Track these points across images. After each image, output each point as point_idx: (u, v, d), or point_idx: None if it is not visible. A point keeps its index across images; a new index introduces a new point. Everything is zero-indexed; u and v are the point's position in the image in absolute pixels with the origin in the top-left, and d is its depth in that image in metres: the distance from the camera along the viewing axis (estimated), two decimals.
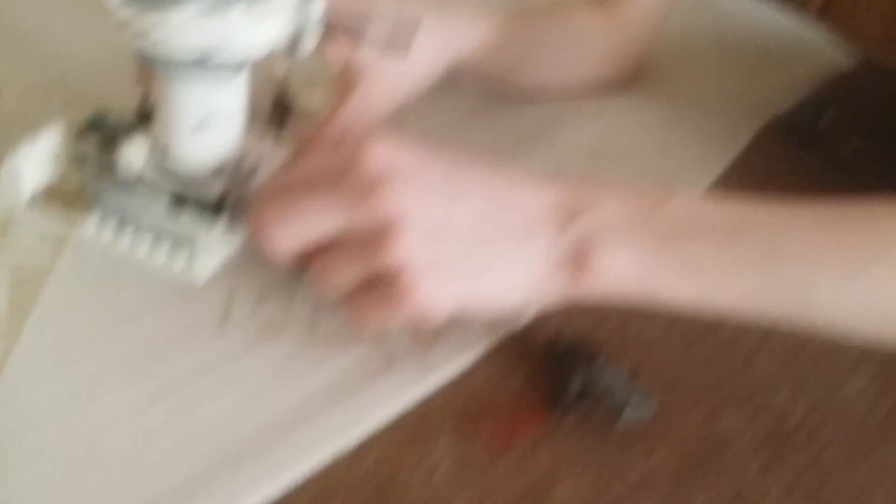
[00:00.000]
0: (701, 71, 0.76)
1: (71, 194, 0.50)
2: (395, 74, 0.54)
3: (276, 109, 0.56)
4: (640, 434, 0.44)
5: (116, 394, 0.41)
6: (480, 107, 0.67)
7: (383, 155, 0.40)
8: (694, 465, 0.44)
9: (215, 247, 0.48)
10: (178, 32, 0.40)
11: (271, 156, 0.53)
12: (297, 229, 0.41)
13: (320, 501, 0.39)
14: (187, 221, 0.47)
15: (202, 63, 0.42)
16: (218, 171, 0.47)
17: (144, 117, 0.52)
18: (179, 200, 0.47)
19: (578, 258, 0.41)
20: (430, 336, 0.47)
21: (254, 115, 0.48)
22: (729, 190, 0.65)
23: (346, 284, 0.42)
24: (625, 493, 0.42)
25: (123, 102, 0.53)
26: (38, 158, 0.49)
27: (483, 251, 0.41)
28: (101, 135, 0.51)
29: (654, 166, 0.65)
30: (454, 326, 0.47)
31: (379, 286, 0.41)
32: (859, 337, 0.43)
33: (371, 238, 0.40)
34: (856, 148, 0.72)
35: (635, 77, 0.73)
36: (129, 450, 0.39)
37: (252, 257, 0.49)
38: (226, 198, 0.47)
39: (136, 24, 0.40)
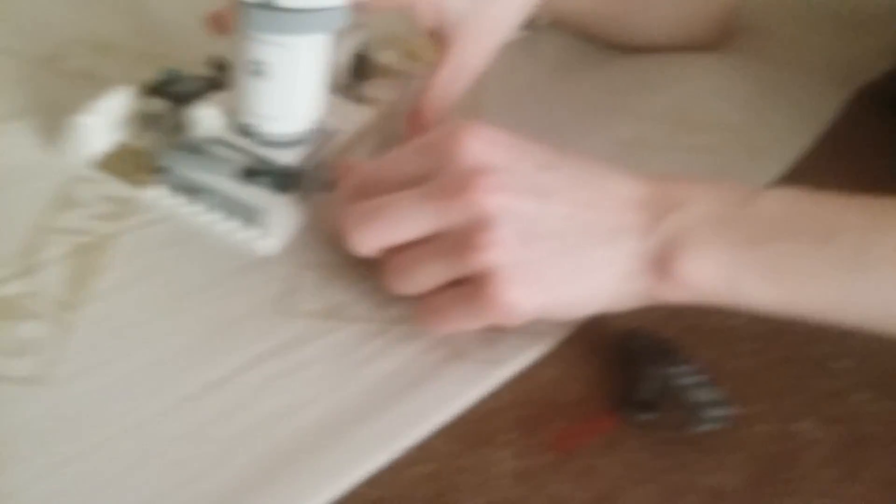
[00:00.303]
0: (791, 35, 0.72)
1: (140, 156, 0.49)
2: (489, 25, 0.52)
3: (356, 68, 0.54)
4: (712, 440, 0.43)
5: (173, 381, 0.40)
6: (560, 65, 0.65)
7: (477, 150, 0.39)
8: (769, 474, 0.42)
9: (287, 219, 0.47)
10: None
11: (351, 120, 0.52)
12: (385, 230, 0.40)
13: None
14: (260, 190, 0.45)
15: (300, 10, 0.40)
16: (296, 138, 0.45)
17: (218, 77, 0.50)
18: (253, 167, 0.45)
19: (663, 261, 0.40)
20: (496, 328, 0.45)
21: (333, 76, 0.46)
22: (818, 163, 0.62)
23: (429, 284, 0.41)
24: None
25: (196, 60, 0.52)
26: (107, 117, 0.48)
27: (572, 251, 0.40)
28: (172, 95, 0.50)
29: (741, 137, 0.62)
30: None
31: (464, 288, 0.40)
32: None
33: (462, 238, 0.39)
34: None
35: (723, 38, 0.69)
36: (184, 443, 0.38)
37: (320, 234, 0.48)
38: (302, 167, 0.45)
39: None
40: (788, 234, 0.40)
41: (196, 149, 0.46)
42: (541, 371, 0.44)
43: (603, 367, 0.45)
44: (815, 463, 0.43)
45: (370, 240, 0.41)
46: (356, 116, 0.52)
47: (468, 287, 0.40)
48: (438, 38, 0.52)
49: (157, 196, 0.48)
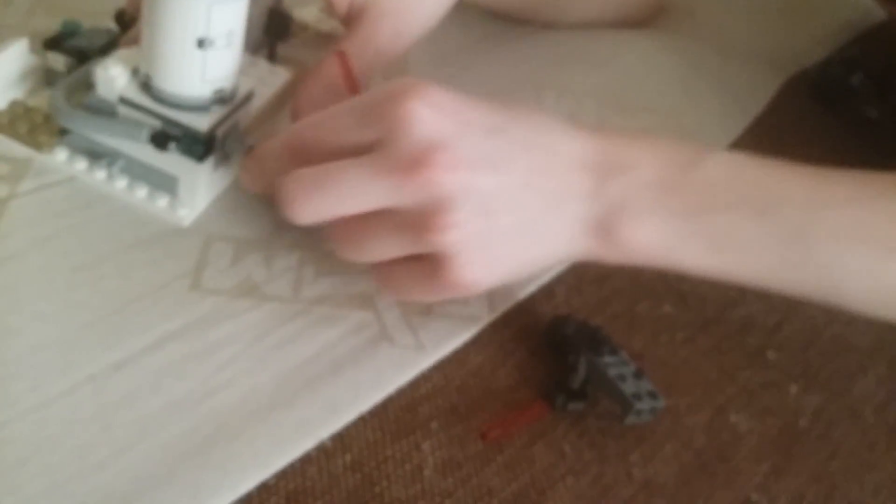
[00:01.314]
0: (726, 18, 0.72)
1: (37, 115, 0.45)
2: (406, 6, 0.48)
3: (271, 26, 0.51)
4: (644, 430, 0.41)
5: (74, 361, 0.37)
6: (490, 39, 0.62)
7: (426, 118, 0.36)
8: (702, 466, 0.41)
9: (201, 187, 0.43)
10: None
11: (267, 82, 0.48)
12: (330, 203, 0.37)
13: (295, 499, 0.35)
14: (172, 156, 0.42)
15: None
16: (210, 101, 0.41)
17: (124, 31, 0.46)
18: (164, 131, 0.41)
19: (607, 225, 0.39)
20: (425, 307, 0.43)
21: (246, 34, 0.43)
22: (748, 150, 0.61)
23: (382, 256, 0.39)
24: (627, 497, 0.39)
25: (97, 11, 0.48)
26: (1, 74, 0.44)
27: (527, 222, 0.38)
28: (72, 50, 0.46)
29: (671, 121, 0.61)
30: (450, 300, 0.43)
31: (420, 264, 0.38)
32: (887, 319, 0.42)
33: (419, 218, 0.37)
34: (884, 111, 0.68)
35: (655, 16, 0.67)
36: (87, 427, 0.35)
37: (241, 198, 0.45)
38: (216, 132, 0.42)
39: None
40: (730, 203, 0.40)
41: (102, 110, 0.42)
42: (469, 357, 0.42)
43: (532, 353, 0.43)
44: (748, 455, 0.42)
45: (313, 212, 0.38)
46: (272, 79, 0.49)
47: (424, 263, 0.38)
48: (348, 23, 0.49)
49: (58, 159, 0.44)
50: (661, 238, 0.40)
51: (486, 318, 0.44)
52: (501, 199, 0.38)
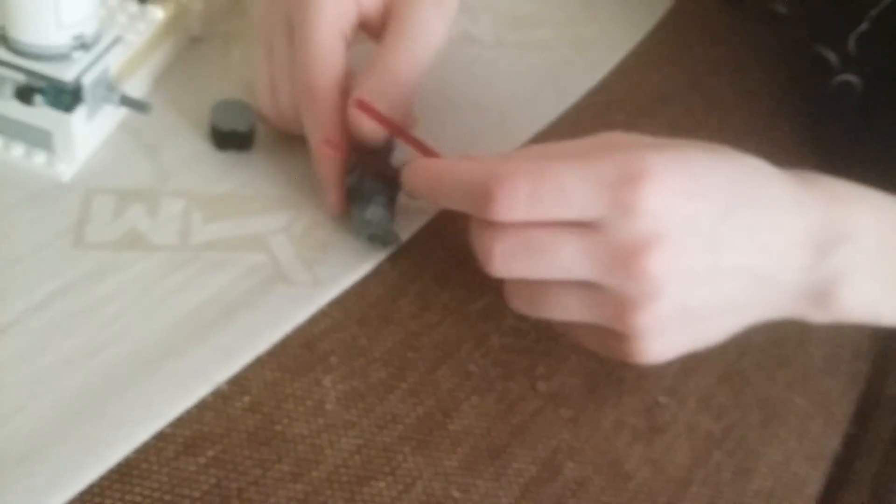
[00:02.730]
0: None
1: None
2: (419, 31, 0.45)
3: None
4: (550, 345, 0.41)
5: None
6: None
7: (659, 207, 0.34)
8: (606, 374, 0.41)
9: (77, 139, 0.42)
10: None
11: (135, 25, 0.46)
12: (535, 269, 0.36)
13: (192, 445, 0.35)
14: (43, 110, 0.40)
15: None
16: (71, 47, 0.40)
17: None
18: (29, 85, 0.40)
19: (823, 293, 0.39)
20: (319, 249, 0.42)
21: None
22: (652, 54, 0.60)
23: (561, 318, 0.38)
24: (533, 411, 0.39)
25: None
26: None
27: (733, 301, 0.37)
28: None
29: (573, 28, 0.60)
30: (345, 237, 0.43)
31: (605, 332, 0.37)
32: None
33: (617, 301, 0.35)
34: (793, 6, 0.67)
35: None
36: None
37: (112, 154, 0.43)
38: (84, 79, 0.40)
39: None
40: None
41: None
42: (369, 289, 0.42)
43: (436, 279, 0.43)
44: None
45: (515, 271, 0.36)
46: (142, 22, 0.47)
47: (609, 334, 0.37)
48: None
49: None
50: (873, 299, 0.40)
51: (384, 251, 0.43)
52: (709, 285, 0.36)
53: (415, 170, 0.40)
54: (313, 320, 0.40)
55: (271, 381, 0.37)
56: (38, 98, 0.40)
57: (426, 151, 0.41)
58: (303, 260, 0.42)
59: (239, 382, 0.37)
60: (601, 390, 0.41)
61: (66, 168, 0.42)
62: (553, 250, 0.36)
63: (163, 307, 0.38)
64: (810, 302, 0.39)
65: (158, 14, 0.47)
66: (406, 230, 0.44)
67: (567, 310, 0.37)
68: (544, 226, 0.36)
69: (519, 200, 0.35)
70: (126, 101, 0.43)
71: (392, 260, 0.43)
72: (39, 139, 0.41)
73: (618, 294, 0.35)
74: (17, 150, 0.42)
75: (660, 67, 0.60)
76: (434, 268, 0.43)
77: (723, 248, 0.36)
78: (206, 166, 0.44)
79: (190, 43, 0.50)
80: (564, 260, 0.35)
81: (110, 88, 0.42)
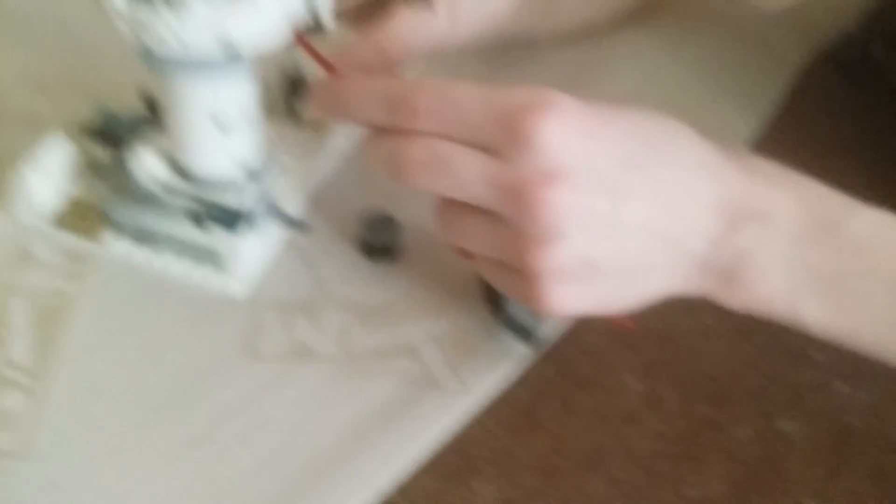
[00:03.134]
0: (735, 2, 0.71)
1: (89, 208, 0.48)
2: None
3: (289, 88, 0.53)
4: (694, 450, 0.43)
5: (153, 442, 0.40)
6: (505, 55, 0.63)
7: (559, 141, 0.35)
8: (752, 479, 0.42)
9: (245, 258, 0.46)
10: (192, 27, 0.36)
11: (295, 147, 0.51)
12: (442, 185, 0.37)
13: None
14: (216, 233, 0.44)
15: (219, 58, 0.38)
16: (239, 177, 0.44)
17: (153, 113, 0.49)
18: (204, 211, 0.44)
19: (730, 272, 0.38)
20: (467, 355, 0.45)
21: (266, 97, 0.45)
22: (778, 134, 0.61)
23: (475, 251, 0.39)
24: None
25: (130, 92, 0.50)
26: (49, 170, 0.47)
27: (634, 261, 0.37)
28: (109, 136, 0.48)
29: (699, 112, 0.61)
30: (490, 342, 0.45)
31: (512, 273, 0.38)
32: None
33: (521, 239, 0.36)
34: None
35: (654, 6, 0.68)
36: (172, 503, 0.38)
37: (277, 270, 0.47)
38: (251, 205, 0.44)
39: (143, 22, 0.36)
40: (867, 268, 0.38)
41: (145, 197, 0.45)
42: (514, 393, 0.44)
43: (577, 383, 0.45)
44: (800, 461, 0.43)
45: (423, 185, 0.38)
46: (298, 142, 0.51)
47: (517, 274, 0.38)
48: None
49: (114, 249, 0.47)
50: (787, 293, 0.39)
51: (527, 355, 0.45)
52: (612, 237, 0.36)
53: (326, 84, 0.41)
54: (464, 426, 0.42)
55: (431, 487, 0.40)
56: (211, 223, 0.44)
57: (332, 69, 0.43)
58: (452, 367, 0.44)
59: (402, 489, 0.40)
60: (747, 495, 0.42)
61: (236, 285, 0.46)
62: (456, 164, 0.36)
63: (330, 416, 0.42)
64: (718, 279, 0.38)
65: (314, 138, 0.51)
66: (549, 336, 0.46)
67: (475, 239, 0.38)
68: (453, 143, 0.36)
69: (427, 111, 0.36)
70: (287, 222, 0.47)
71: (537, 366, 0.45)
72: (211, 259, 0.46)
73: (517, 229, 0.36)
74: (191, 269, 0.46)
75: (783, 152, 0.61)
76: (576, 372, 0.45)
77: (625, 197, 0.36)
78: (360, 278, 0.48)
79: (340, 157, 0.54)
80: (468, 177, 0.36)
81: (273, 210, 0.47)
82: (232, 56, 0.38)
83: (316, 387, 0.43)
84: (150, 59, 0.39)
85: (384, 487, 0.39)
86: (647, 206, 0.37)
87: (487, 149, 0.36)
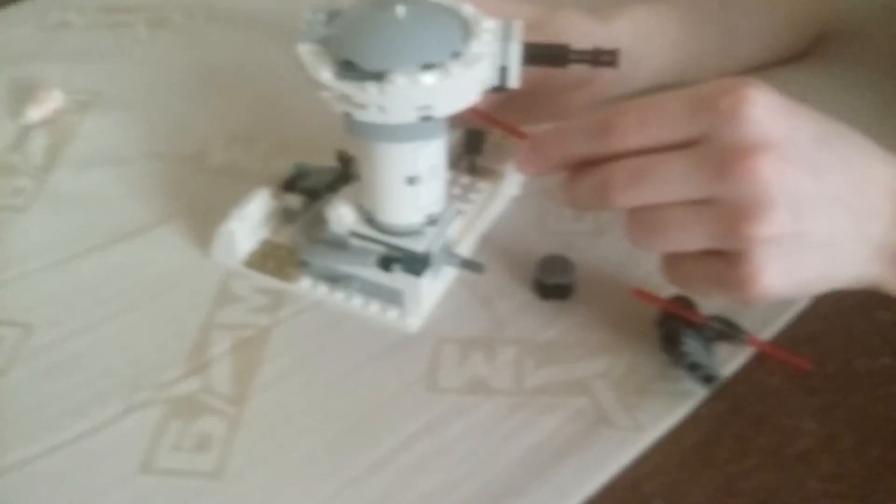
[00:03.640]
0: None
1: (282, 250, 0.53)
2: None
3: (468, 143, 0.56)
4: (866, 489, 0.42)
5: (338, 466, 0.43)
6: None
7: (759, 117, 0.37)
8: None
9: (423, 297, 0.49)
10: (402, 97, 0.40)
11: (470, 195, 0.54)
12: (651, 192, 0.38)
13: None
14: (397, 275, 0.48)
15: (427, 120, 0.41)
16: (423, 224, 0.47)
17: (346, 168, 0.53)
18: (389, 256, 0.48)
19: None
20: (638, 393, 0.46)
21: (449, 153, 0.48)
22: None
23: (683, 247, 0.40)
24: None
25: (323, 148, 0.55)
26: (251, 220, 0.52)
27: (832, 237, 0.39)
28: (304, 189, 0.53)
29: None
30: (663, 382, 0.46)
31: (718, 260, 0.39)
32: None
33: (735, 211, 0.37)
34: None
35: (818, 42, 0.68)
36: None
37: (454, 307, 0.50)
38: (431, 249, 0.47)
39: (356, 97, 0.40)
40: None
41: (336, 242, 0.49)
42: (686, 433, 0.45)
43: (751, 424, 0.45)
44: None
45: (631, 199, 0.39)
46: (475, 189, 0.54)
47: (721, 258, 0.39)
48: None
49: (304, 287, 0.51)
50: None
51: (700, 393, 0.46)
52: (815, 208, 0.38)
53: (534, 142, 0.42)
54: (636, 463, 0.43)
55: None
56: (396, 266, 0.47)
57: (520, 133, 0.44)
58: (623, 404, 0.45)
59: None
60: None
61: (414, 321, 0.49)
62: (664, 168, 0.38)
63: (503, 448, 0.44)
64: (888, 261, 0.39)
65: (488, 187, 0.54)
66: (723, 375, 0.47)
67: (687, 233, 0.39)
68: (655, 151, 0.38)
69: (631, 127, 0.38)
70: (464, 264, 0.50)
71: (708, 404, 0.46)
72: (392, 297, 0.49)
73: (732, 202, 0.37)
74: (375, 307, 0.50)
75: None
76: (749, 411, 0.45)
77: (823, 171, 0.38)
78: (533, 315, 0.50)
79: (512, 202, 0.57)
80: (676, 176, 0.37)
81: (450, 253, 0.50)
82: (426, 119, 0.41)
83: (490, 419, 0.45)
84: (350, 124, 0.43)
85: None
86: (840, 182, 0.38)
87: (693, 141, 0.38)
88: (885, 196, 0.39)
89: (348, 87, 0.40)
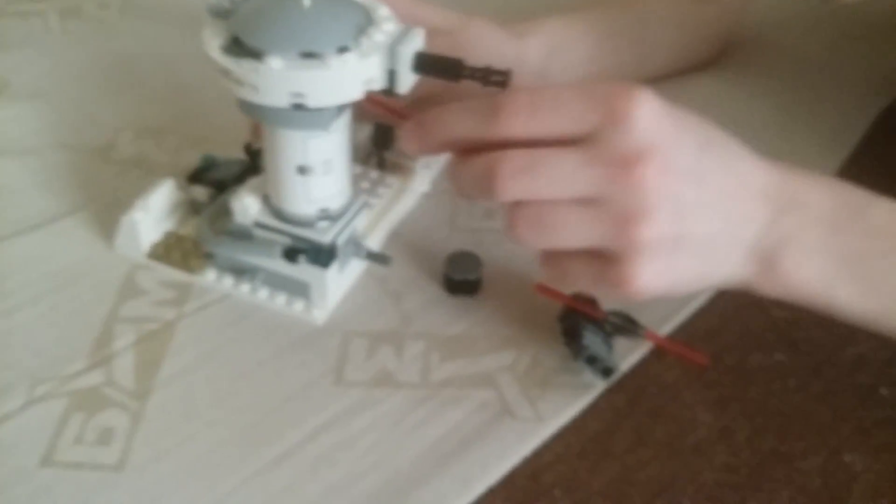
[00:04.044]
0: (809, 48, 0.72)
1: (187, 242, 0.52)
2: None
3: (377, 138, 0.57)
4: (759, 479, 0.44)
5: (241, 460, 0.43)
6: None
7: (648, 121, 0.38)
8: None
9: (330, 289, 0.49)
10: (275, 79, 0.40)
11: (379, 184, 0.54)
12: (539, 185, 0.39)
13: None
14: (303, 267, 0.48)
15: (300, 108, 0.41)
16: (318, 217, 0.48)
17: (253, 161, 0.53)
18: (295, 247, 0.48)
19: (773, 255, 0.41)
20: (540, 386, 0.47)
21: (357, 147, 0.48)
22: (857, 178, 0.61)
23: (567, 244, 0.40)
24: None
25: (233, 140, 0.55)
26: (157, 211, 0.51)
27: (707, 239, 0.40)
28: (211, 181, 0.53)
29: (779, 153, 0.62)
30: (565, 374, 0.47)
31: (597, 256, 0.40)
32: None
33: (620, 213, 0.38)
34: None
35: (723, 53, 0.71)
36: None
37: (363, 302, 0.50)
38: (338, 241, 0.48)
39: (235, 73, 0.40)
40: (889, 249, 0.42)
41: (241, 234, 0.49)
42: (587, 423, 0.46)
43: (649, 415, 0.46)
44: (863, 494, 0.44)
45: (519, 192, 0.39)
46: (380, 186, 0.55)
47: (601, 258, 0.40)
48: None
49: (208, 279, 0.51)
50: (821, 276, 0.41)
51: (600, 386, 0.47)
52: (695, 213, 0.39)
53: (420, 119, 0.42)
54: (537, 453, 0.44)
55: None
56: (302, 257, 0.48)
57: (405, 115, 0.45)
58: (526, 396, 0.46)
59: None
60: None
61: (320, 314, 0.50)
62: (553, 164, 0.38)
63: (409, 440, 0.44)
64: (761, 264, 0.41)
65: (395, 179, 0.54)
66: (622, 368, 0.48)
67: (573, 230, 0.39)
68: (545, 144, 0.38)
69: (520, 113, 0.38)
70: (371, 256, 0.50)
71: (607, 396, 0.47)
72: (299, 290, 0.49)
73: (619, 206, 0.38)
74: (280, 300, 0.50)
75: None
76: (647, 403, 0.47)
77: (706, 177, 0.39)
78: (441, 310, 0.51)
79: (423, 198, 0.58)
80: (565, 173, 0.38)
81: (358, 245, 0.50)
82: (299, 107, 0.41)
83: (397, 412, 0.45)
84: (243, 106, 0.43)
85: None
86: (720, 188, 0.40)
87: (581, 138, 0.38)
88: (759, 201, 0.41)
89: (229, 63, 0.40)
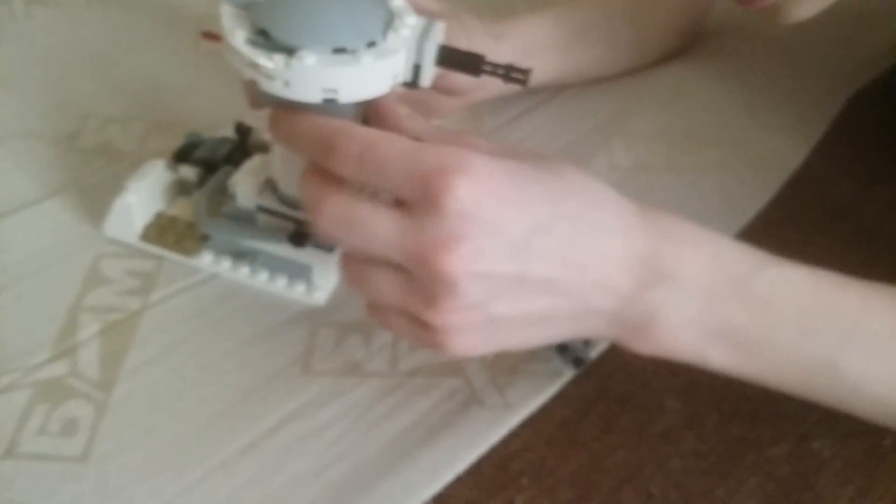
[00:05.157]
0: (782, 36, 0.72)
1: (179, 223, 0.52)
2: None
3: None
4: (727, 466, 0.44)
5: (207, 450, 0.43)
6: (551, 99, 0.66)
7: (468, 202, 0.36)
8: (784, 496, 0.43)
9: (332, 271, 0.50)
10: (308, 75, 0.39)
11: None
12: (352, 241, 0.38)
13: None
14: (308, 250, 0.48)
15: (327, 103, 0.41)
16: None
17: (243, 139, 0.53)
18: (301, 231, 0.48)
19: (641, 325, 0.40)
20: (509, 373, 0.47)
21: None
22: (822, 165, 0.62)
23: (379, 303, 0.40)
24: None
25: (202, 127, 0.54)
26: (147, 193, 0.51)
27: (547, 310, 0.39)
28: (199, 160, 0.52)
29: (740, 150, 0.63)
30: (533, 363, 0.47)
31: (414, 320, 0.39)
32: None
33: (425, 292, 0.38)
34: None
35: (694, 42, 0.71)
36: None
37: (336, 294, 0.50)
38: None
39: (265, 68, 0.39)
40: (771, 323, 0.41)
41: (241, 217, 0.49)
42: (555, 411, 0.46)
43: (616, 401, 0.46)
44: (831, 480, 0.44)
45: (336, 238, 0.39)
46: None
47: (418, 323, 0.39)
48: None
49: (206, 262, 0.51)
50: (694, 345, 0.41)
51: (569, 374, 0.47)
52: (517, 295, 0.38)
53: (283, 113, 0.41)
54: (505, 441, 0.44)
55: (470, 499, 0.42)
56: (308, 241, 0.48)
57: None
58: (495, 384, 0.46)
59: (442, 500, 0.42)
60: None
61: (322, 294, 0.50)
62: (369, 223, 0.37)
63: (376, 429, 0.44)
64: (628, 331, 0.40)
65: None
66: (590, 356, 0.48)
67: (380, 290, 0.39)
68: (370, 200, 0.37)
69: (350, 158, 0.37)
70: None
71: (576, 383, 0.47)
72: (299, 273, 0.49)
73: (422, 285, 0.37)
74: (281, 282, 0.50)
75: (832, 180, 0.62)
76: (615, 390, 0.47)
77: (533, 260, 0.37)
78: None
79: None
80: (378, 236, 0.37)
81: None
82: (329, 102, 0.40)
83: (364, 402, 0.45)
84: (260, 92, 0.41)
85: (426, 499, 0.42)
86: (552, 268, 0.38)
87: (402, 203, 0.37)
88: (620, 270, 0.39)
89: (257, 56, 0.39)
